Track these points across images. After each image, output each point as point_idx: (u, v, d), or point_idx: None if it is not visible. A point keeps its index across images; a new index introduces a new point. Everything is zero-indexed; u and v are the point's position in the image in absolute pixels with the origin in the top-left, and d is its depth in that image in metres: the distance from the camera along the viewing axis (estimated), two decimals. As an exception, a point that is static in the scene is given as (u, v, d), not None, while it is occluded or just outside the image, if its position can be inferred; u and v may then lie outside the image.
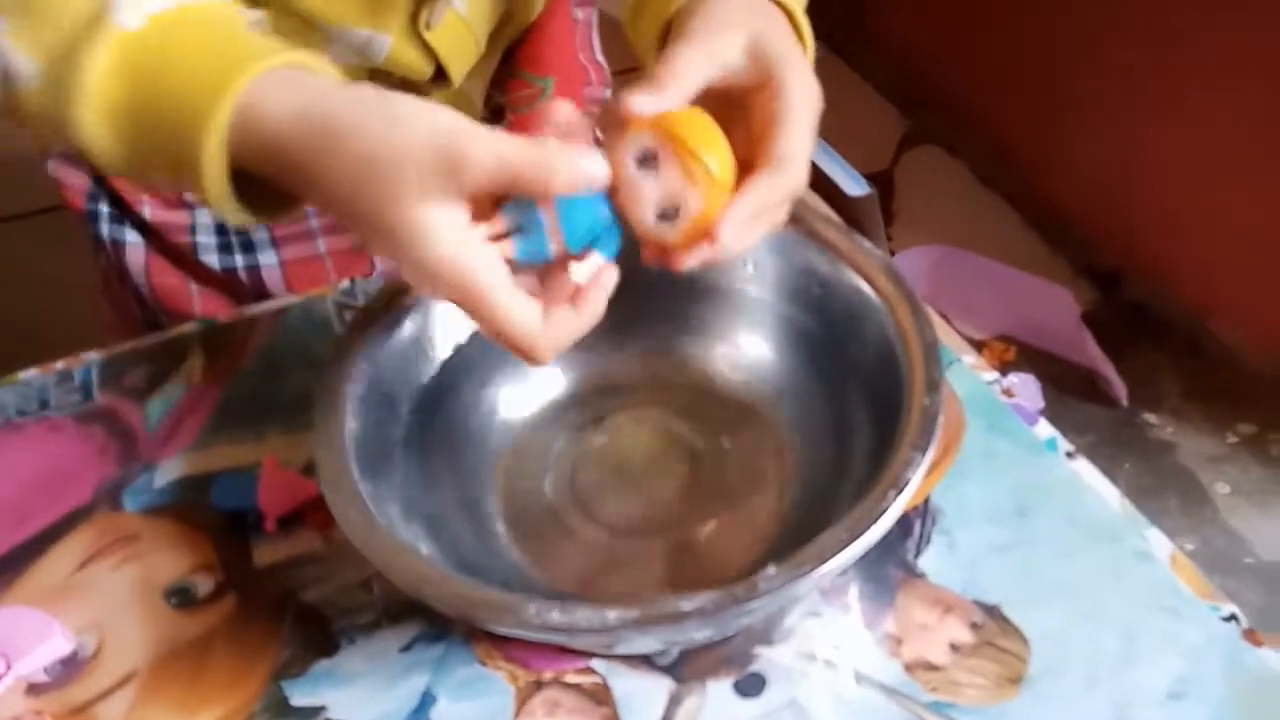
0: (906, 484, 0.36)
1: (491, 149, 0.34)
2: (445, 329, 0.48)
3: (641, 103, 0.36)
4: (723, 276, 0.51)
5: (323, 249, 0.68)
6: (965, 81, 1.60)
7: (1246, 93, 1.19)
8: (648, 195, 0.37)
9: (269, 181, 0.38)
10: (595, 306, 0.37)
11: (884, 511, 0.35)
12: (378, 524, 0.37)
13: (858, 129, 1.30)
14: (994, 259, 1.32)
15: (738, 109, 0.40)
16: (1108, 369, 1.23)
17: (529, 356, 0.37)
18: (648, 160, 0.37)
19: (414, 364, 0.47)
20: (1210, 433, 1.22)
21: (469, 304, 0.36)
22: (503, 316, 0.36)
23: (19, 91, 0.38)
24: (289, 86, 0.36)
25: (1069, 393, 1.26)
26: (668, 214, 0.37)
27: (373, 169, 0.34)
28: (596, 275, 0.37)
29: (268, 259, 0.67)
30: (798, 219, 0.47)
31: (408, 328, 0.47)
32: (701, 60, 0.38)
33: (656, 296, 0.52)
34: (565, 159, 0.35)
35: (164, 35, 0.37)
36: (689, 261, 0.38)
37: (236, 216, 0.38)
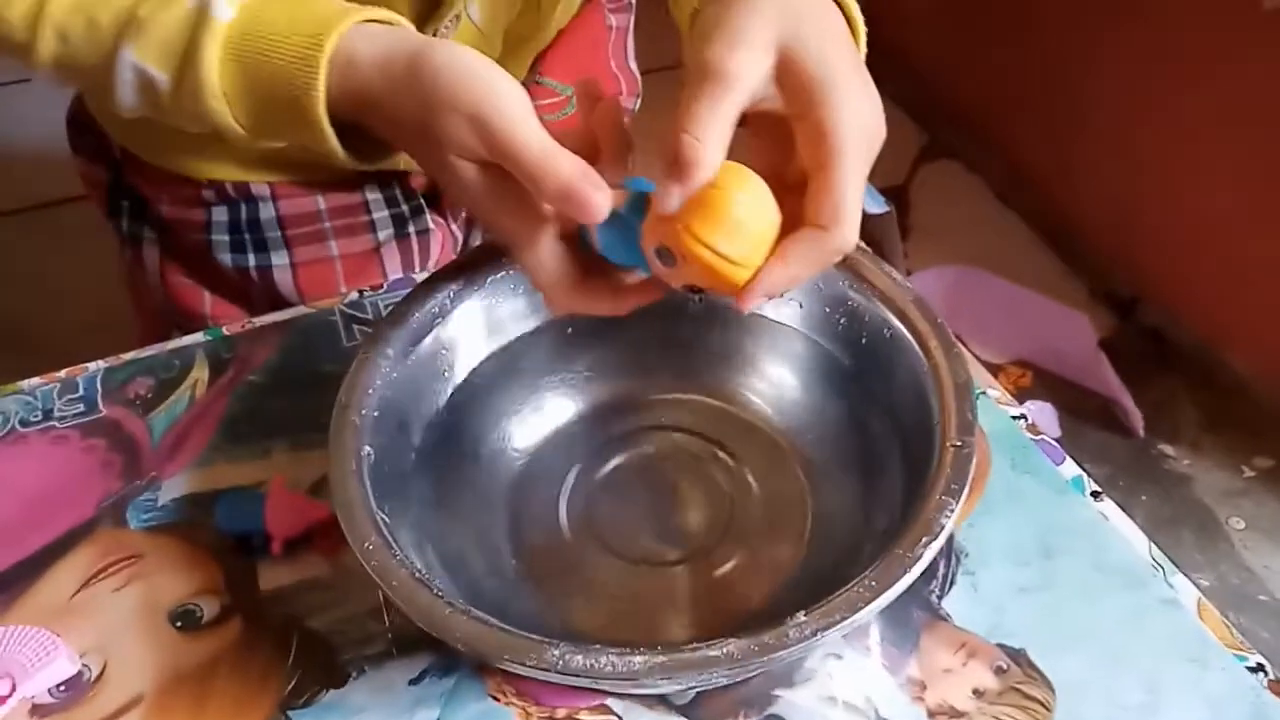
0: (940, 530, 0.35)
1: (508, 130, 0.36)
2: (459, 352, 0.47)
3: (667, 204, 0.34)
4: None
5: (335, 251, 0.67)
6: (984, 97, 1.59)
7: (1266, 121, 1.19)
8: (672, 278, 0.37)
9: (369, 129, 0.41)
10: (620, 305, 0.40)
11: (916, 560, 0.34)
12: (395, 555, 0.36)
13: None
14: (1010, 278, 1.31)
15: (785, 127, 0.36)
16: (1125, 398, 1.22)
17: (548, 291, 0.40)
18: (665, 254, 0.36)
19: (427, 388, 0.46)
20: (1227, 466, 1.21)
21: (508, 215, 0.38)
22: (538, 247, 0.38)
23: (163, 96, 0.43)
24: (372, 38, 0.40)
25: (1086, 421, 1.25)
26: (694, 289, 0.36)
27: (425, 112, 0.37)
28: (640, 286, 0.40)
29: (279, 259, 0.66)
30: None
31: (421, 350, 0.46)
32: (723, 108, 0.34)
33: (679, 323, 0.51)
34: (561, 174, 0.35)
35: (256, 16, 0.41)
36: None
37: (347, 161, 0.42)
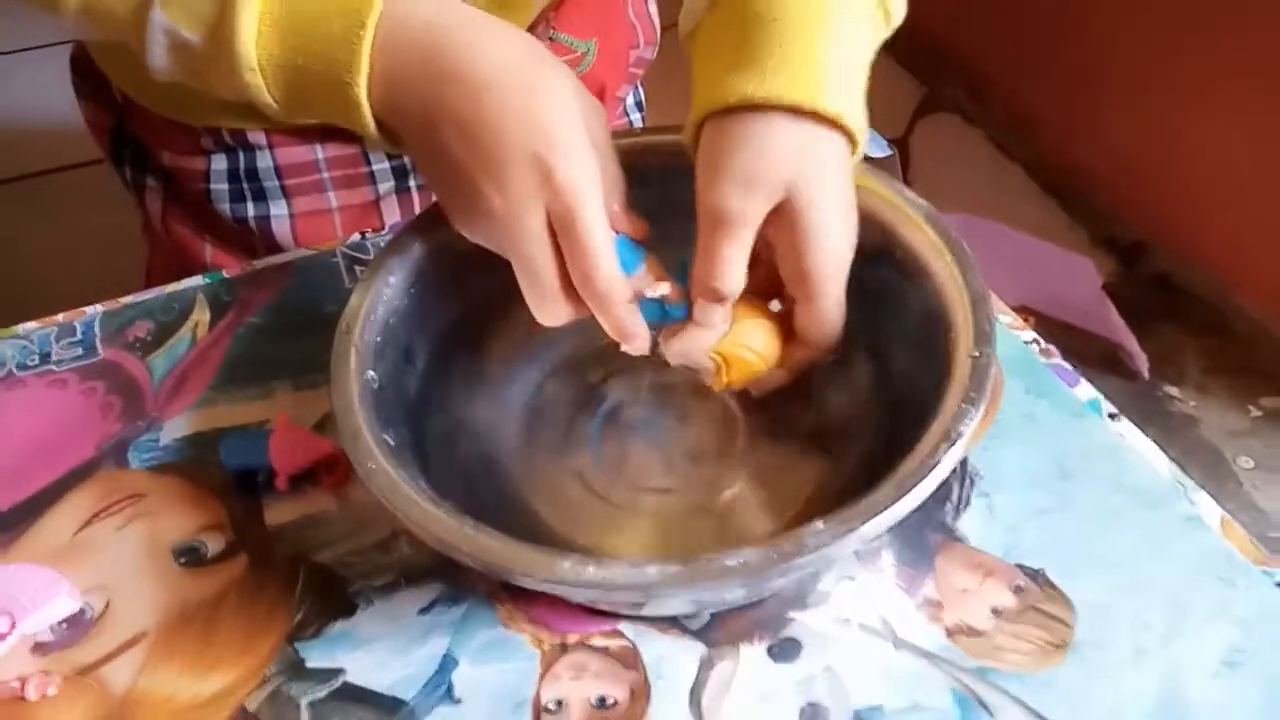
0: (960, 437, 0.34)
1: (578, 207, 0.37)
2: (463, 281, 0.46)
3: (712, 322, 0.41)
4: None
5: (334, 203, 0.66)
6: (983, 48, 1.57)
7: (1275, 64, 1.17)
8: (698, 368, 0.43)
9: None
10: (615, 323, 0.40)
11: (935, 465, 0.33)
12: (401, 478, 0.35)
13: (871, 95, 1.28)
14: (1012, 227, 1.30)
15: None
16: (1129, 341, 1.21)
17: (538, 302, 0.40)
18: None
19: (430, 314, 0.45)
20: (1233, 407, 1.20)
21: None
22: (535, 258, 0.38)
23: (198, 58, 0.41)
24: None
25: (1089, 365, 1.23)
26: None
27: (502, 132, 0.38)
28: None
29: (278, 209, 0.65)
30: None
31: (424, 277, 0.45)
32: (742, 246, 0.39)
33: (690, 253, 0.50)
34: (616, 307, 0.39)
35: None
36: None
37: (384, 146, 0.42)
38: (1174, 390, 1.22)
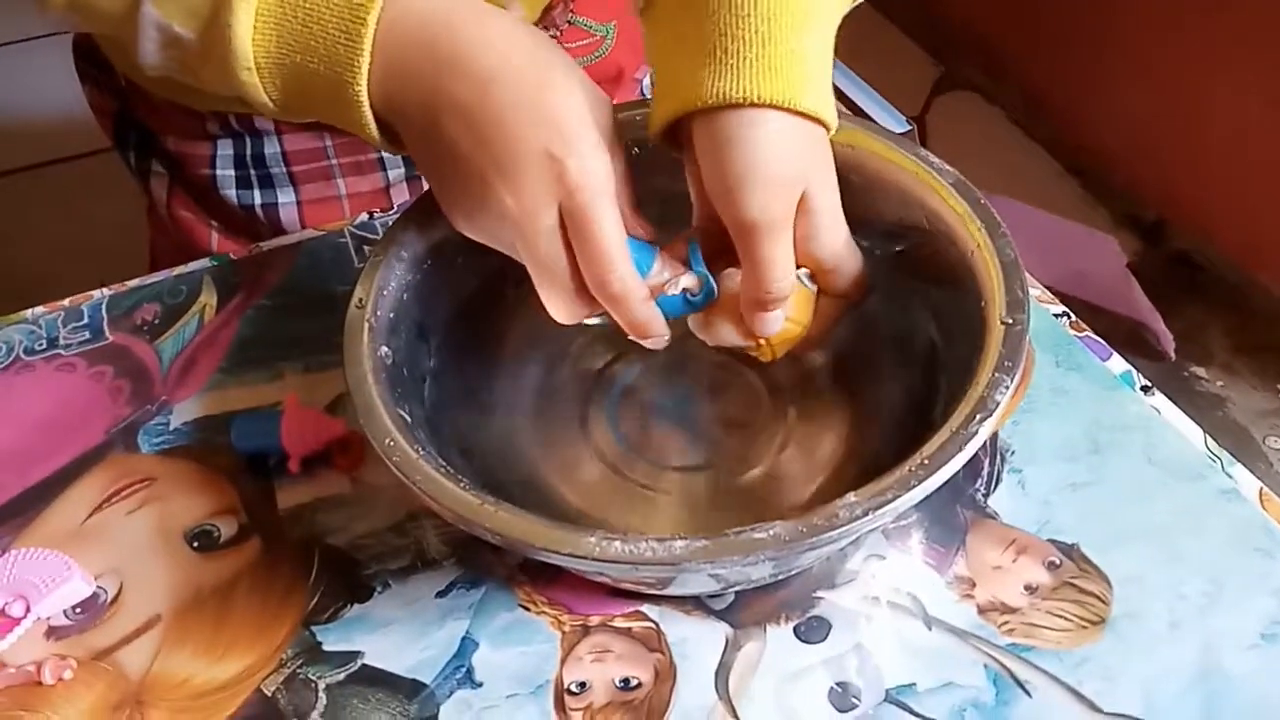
0: (996, 406, 0.33)
1: (597, 217, 0.36)
2: (474, 255, 0.45)
3: (768, 330, 0.40)
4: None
5: (343, 190, 0.65)
6: (1000, 26, 1.55)
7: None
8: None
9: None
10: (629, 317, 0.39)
11: (971, 437, 0.32)
12: (419, 453, 0.34)
13: (888, 74, 1.26)
14: (1034, 207, 1.28)
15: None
16: (1154, 320, 1.19)
17: (555, 302, 0.39)
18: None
19: (443, 290, 0.44)
20: (1261, 386, 1.18)
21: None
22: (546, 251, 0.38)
23: (191, 55, 0.40)
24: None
25: (1114, 346, 1.22)
26: None
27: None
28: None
29: (285, 197, 0.64)
30: (860, 134, 0.44)
31: (435, 252, 0.43)
32: (787, 247, 0.38)
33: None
34: (636, 311, 0.38)
35: None
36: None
37: (384, 147, 0.40)
38: (1201, 370, 1.20)
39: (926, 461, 0.32)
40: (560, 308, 0.39)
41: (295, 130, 0.63)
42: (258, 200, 0.64)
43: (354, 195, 0.65)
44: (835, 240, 0.39)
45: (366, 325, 0.39)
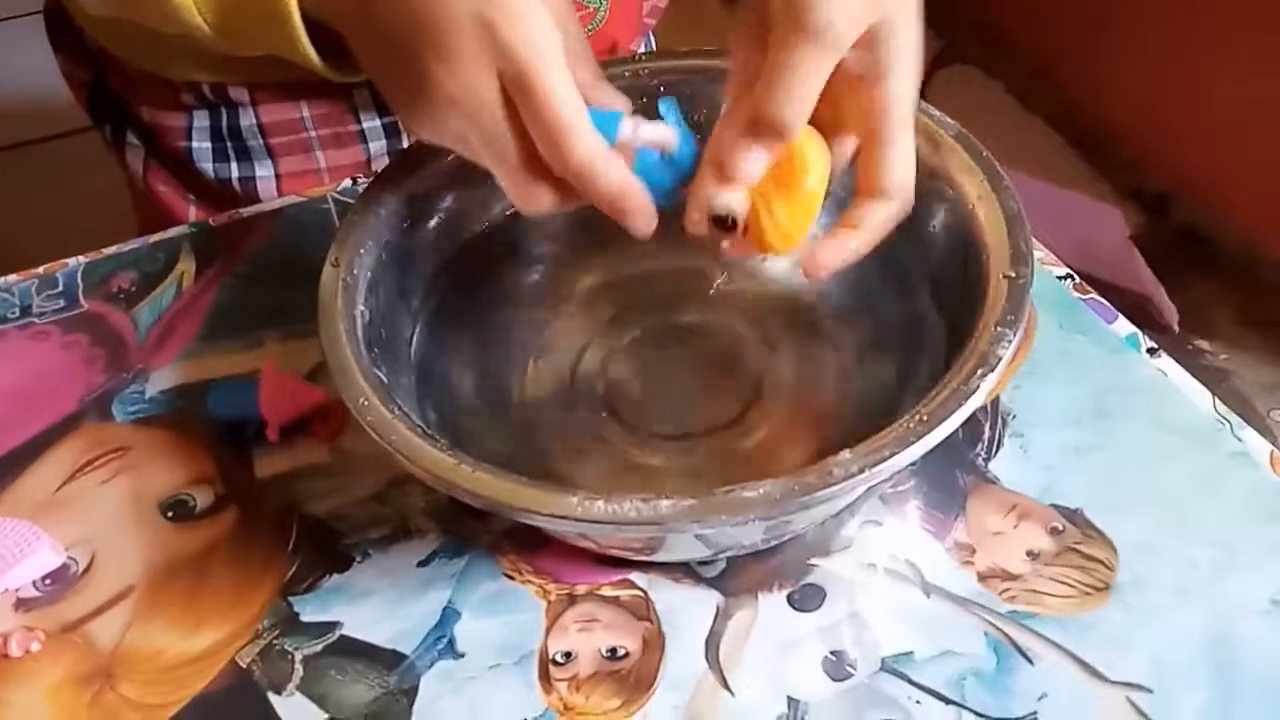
0: (998, 362, 0.31)
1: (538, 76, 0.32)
2: (457, 213, 0.44)
3: (751, 172, 0.34)
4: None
5: (322, 163, 0.63)
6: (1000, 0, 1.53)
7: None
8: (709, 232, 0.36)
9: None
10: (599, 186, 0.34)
11: (972, 393, 0.31)
12: (394, 411, 0.33)
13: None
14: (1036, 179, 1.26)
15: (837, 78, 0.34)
16: (1158, 293, 1.17)
17: (513, 187, 0.35)
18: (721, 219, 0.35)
19: (425, 250, 0.42)
20: (1266, 360, 1.16)
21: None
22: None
23: None
24: None
25: (1118, 319, 1.21)
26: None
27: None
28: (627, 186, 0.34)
29: (264, 170, 0.62)
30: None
31: (415, 211, 0.42)
32: (823, 70, 0.32)
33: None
34: (611, 182, 0.33)
35: None
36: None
37: (326, 72, 0.38)
38: (1205, 344, 1.18)
39: (925, 418, 0.30)
40: (521, 193, 0.35)
41: (270, 101, 0.61)
42: (235, 174, 0.62)
43: (334, 169, 0.63)
44: (898, 97, 0.33)
45: (342, 284, 0.37)
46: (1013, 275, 0.34)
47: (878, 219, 0.35)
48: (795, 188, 0.34)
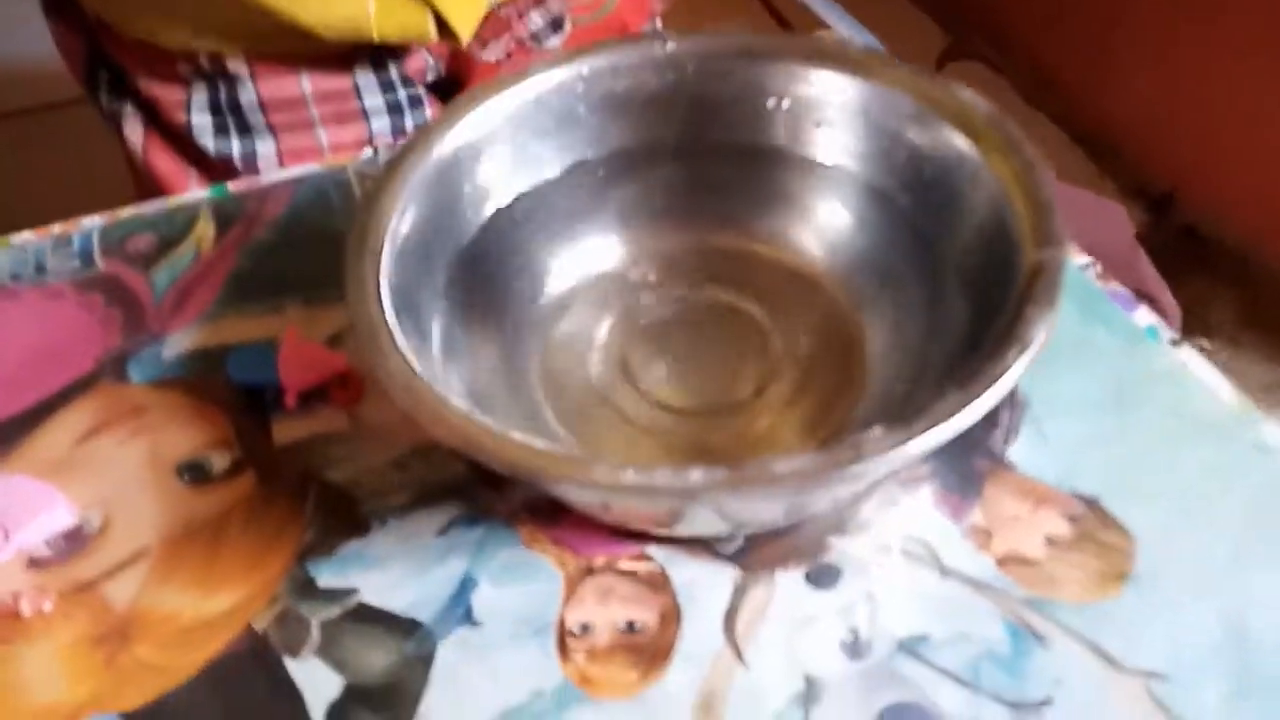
0: (1032, 342, 0.31)
1: None
2: (487, 184, 0.43)
3: None
4: (791, 140, 0.46)
5: (324, 141, 0.63)
6: (1008, -3, 1.53)
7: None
8: None
9: None
10: None
11: (1007, 369, 0.31)
12: (419, 376, 0.32)
13: (895, 43, 1.24)
14: (1042, 175, 1.26)
15: None
16: (1161, 292, 1.18)
17: None
18: None
19: (452, 222, 0.42)
20: (1266, 360, 1.17)
21: None
22: None
23: None
24: None
25: (1119, 315, 1.21)
26: None
27: None
28: None
29: (265, 147, 0.62)
30: (877, 67, 0.42)
31: (442, 181, 0.42)
32: None
33: (719, 165, 0.47)
34: None
35: None
36: None
37: None
38: (1206, 344, 1.19)
39: (958, 396, 0.30)
40: None
41: (270, 75, 0.60)
42: (236, 150, 0.62)
43: (336, 146, 0.63)
44: None
45: (370, 248, 0.37)
46: (1046, 257, 0.34)
47: None
48: None
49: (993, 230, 0.37)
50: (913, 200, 0.43)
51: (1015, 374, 0.31)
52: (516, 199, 0.44)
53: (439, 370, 0.38)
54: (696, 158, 0.47)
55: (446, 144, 0.42)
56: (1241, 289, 1.25)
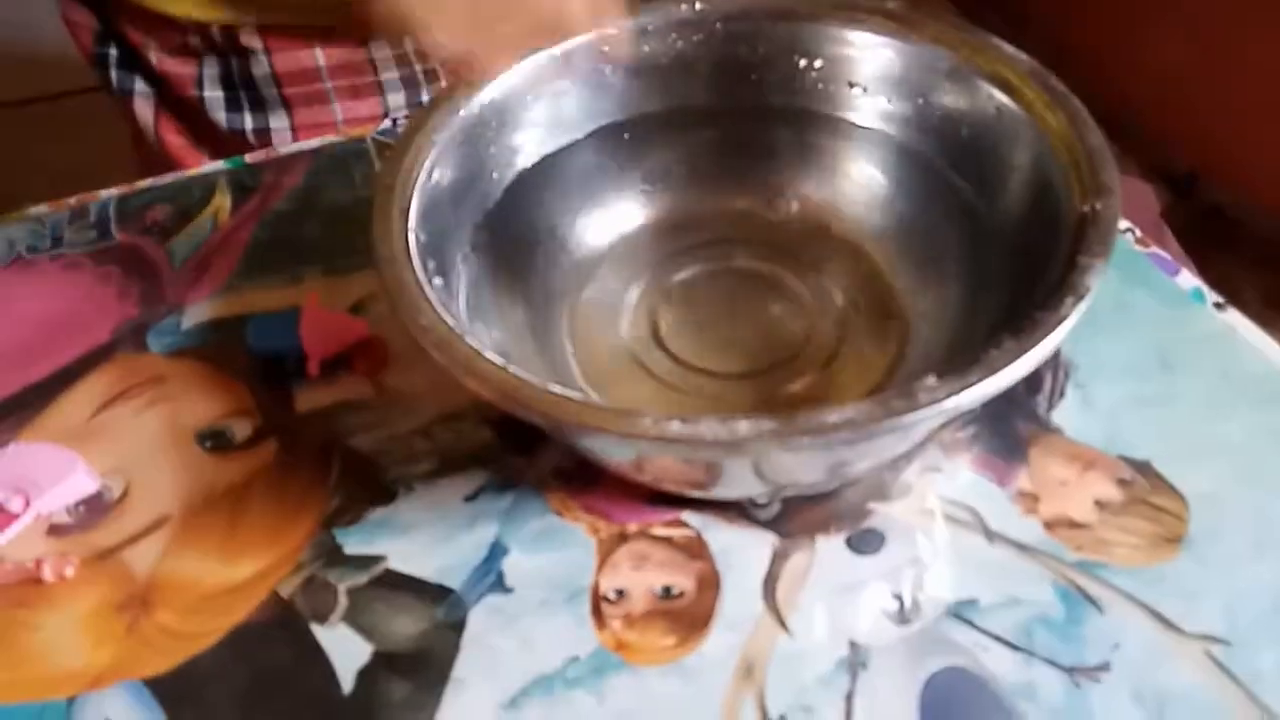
0: (1087, 292, 0.30)
1: None
2: (513, 145, 0.42)
3: None
4: (824, 102, 0.45)
5: (339, 115, 0.61)
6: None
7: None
8: None
9: None
10: None
11: (1063, 319, 0.29)
12: (454, 329, 0.31)
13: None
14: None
15: None
16: (1189, 270, 1.16)
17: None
18: None
19: (479, 183, 0.41)
20: (1294, 340, 1.15)
21: None
22: None
23: None
24: None
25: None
26: None
27: None
28: None
29: (278, 121, 0.61)
30: (913, 22, 0.41)
31: (471, 140, 0.41)
32: None
33: (749, 127, 0.46)
34: None
35: None
36: None
37: None
38: (1233, 324, 1.17)
39: (1013, 344, 0.29)
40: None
41: (285, 48, 0.59)
42: (249, 124, 0.61)
43: (351, 120, 0.62)
44: None
45: (396, 205, 0.36)
46: (1097, 207, 0.33)
47: None
48: None
49: (1037, 184, 0.36)
50: (950, 159, 0.41)
51: (1071, 321, 0.29)
52: (542, 160, 0.43)
53: (467, 329, 0.37)
54: (726, 120, 0.46)
55: (473, 105, 0.41)
56: (1267, 269, 1.23)
